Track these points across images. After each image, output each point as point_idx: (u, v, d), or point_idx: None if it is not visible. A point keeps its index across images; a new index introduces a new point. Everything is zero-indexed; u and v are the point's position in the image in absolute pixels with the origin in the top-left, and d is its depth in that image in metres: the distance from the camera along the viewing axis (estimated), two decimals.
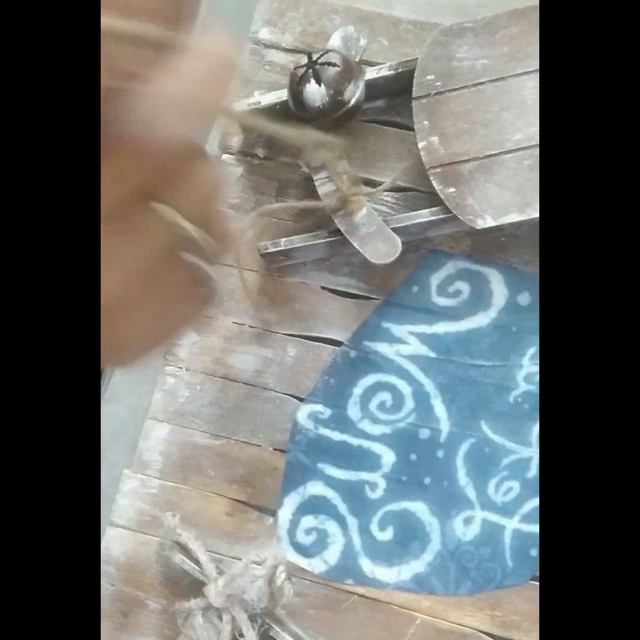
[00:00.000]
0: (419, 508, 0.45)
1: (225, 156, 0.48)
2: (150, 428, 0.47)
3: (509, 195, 0.41)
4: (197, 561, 0.44)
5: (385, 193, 0.46)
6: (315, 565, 0.45)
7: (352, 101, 0.40)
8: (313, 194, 0.44)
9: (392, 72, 0.43)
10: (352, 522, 0.45)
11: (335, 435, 0.46)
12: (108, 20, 0.20)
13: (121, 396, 0.48)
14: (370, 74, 0.43)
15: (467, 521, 0.44)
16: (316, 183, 0.43)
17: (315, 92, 0.40)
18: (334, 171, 0.43)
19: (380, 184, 0.46)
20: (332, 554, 0.45)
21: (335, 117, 0.41)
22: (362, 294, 0.46)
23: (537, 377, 0.45)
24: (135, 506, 0.46)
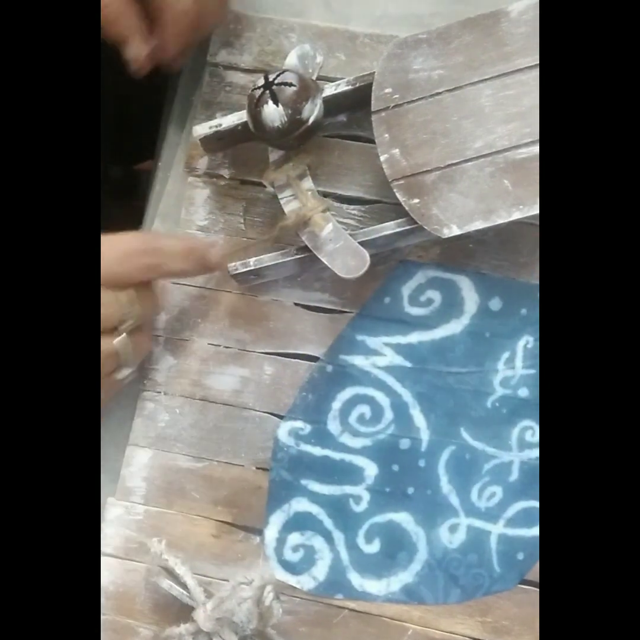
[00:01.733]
0: (403, 519, 0.45)
1: (191, 178, 0.48)
2: (132, 454, 0.47)
3: (472, 203, 0.41)
4: (184, 585, 0.44)
5: (351, 206, 0.46)
6: (304, 582, 0.45)
7: (311, 119, 0.40)
8: (281, 212, 0.44)
9: (350, 87, 0.44)
10: (339, 536, 0.45)
11: (317, 451, 0.46)
12: None
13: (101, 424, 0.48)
14: (329, 90, 0.43)
15: (453, 529, 0.44)
16: (281, 202, 0.43)
17: (273, 113, 0.40)
18: (298, 189, 0.43)
19: (346, 198, 0.46)
20: (321, 570, 0.45)
21: (295, 136, 0.41)
22: (335, 308, 0.47)
23: (514, 381, 0.45)
24: (122, 534, 0.46)
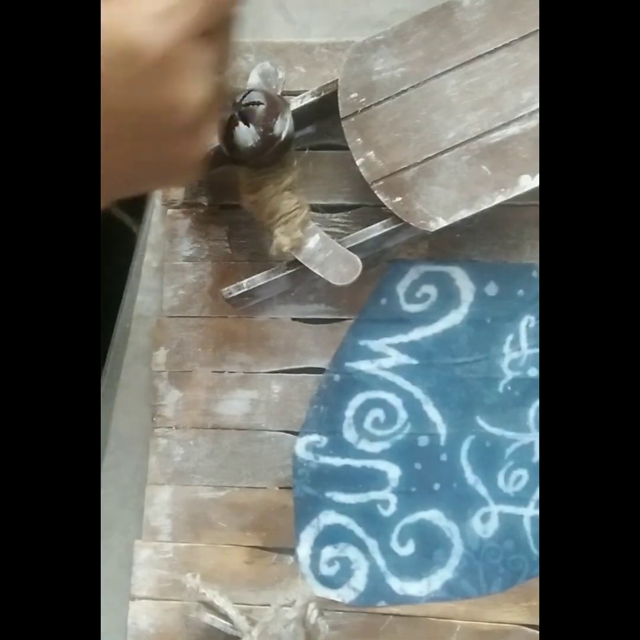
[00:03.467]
0: (434, 516, 0.45)
1: (170, 211, 0.48)
2: (153, 494, 0.46)
3: (454, 193, 0.41)
4: (226, 617, 0.43)
5: (334, 214, 0.46)
6: (345, 594, 0.44)
7: (283, 134, 0.41)
8: (264, 231, 0.44)
9: (315, 97, 0.44)
10: (372, 543, 0.45)
11: (337, 461, 0.45)
12: None
13: (120, 462, 0.48)
14: (295, 103, 0.44)
15: (485, 518, 0.44)
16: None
17: (245, 134, 0.40)
18: (278, 203, 0.43)
19: (329, 207, 0.46)
20: (359, 580, 0.44)
21: (269, 153, 0.41)
22: (333, 317, 0.47)
23: (522, 362, 0.45)
24: (154, 574, 0.46)
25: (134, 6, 0.27)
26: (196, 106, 0.29)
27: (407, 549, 0.44)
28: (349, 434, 0.46)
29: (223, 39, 0.31)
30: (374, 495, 0.45)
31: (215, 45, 0.30)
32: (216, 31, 0.30)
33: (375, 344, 0.46)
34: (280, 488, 0.46)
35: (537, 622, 0.43)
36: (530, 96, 0.41)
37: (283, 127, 0.41)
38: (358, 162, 0.42)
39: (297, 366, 0.46)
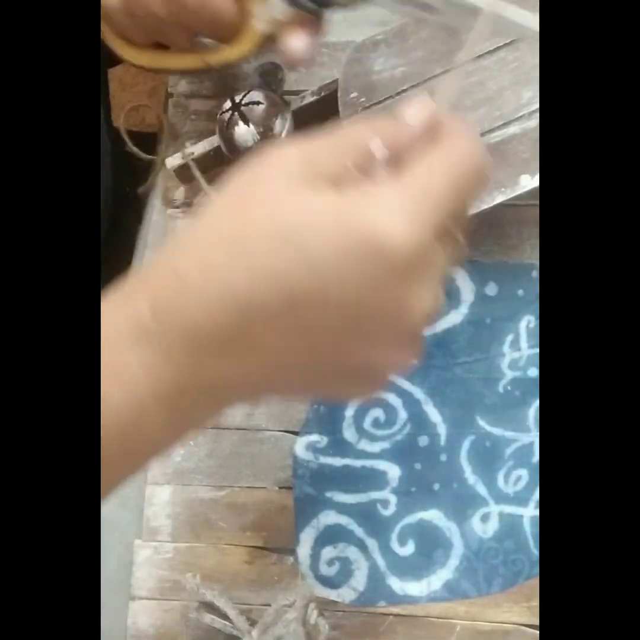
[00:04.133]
0: (434, 516, 0.45)
1: (170, 210, 0.48)
2: (153, 494, 0.46)
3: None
4: (226, 617, 0.43)
5: None
6: (345, 594, 0.44)
7: (283, 134, 0.41)
8: None
9: (315, 97, 0.44)
10: (372, 543, 0.45)
11: (337, 461, 0.45)
12: None
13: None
14: (295, 103, 0.44)
15: (485, 518, 0.44)
16: None
17: (245, 134, 0.40)
18: None
19: None
20: (359, 580, 0.44)
21: None
22: None
23: (521, 362, 0.45)
24: (154, 574, 0.46)
25: (381, 201, 0.25)
26: (422, 317, 0.26)
27: (407, 549, 0.44)
28: (349, 434, 0.46)
29: (459, 234, 0.28)
30: (374, 495, 0.45)
31: (451, 244, 0.27)
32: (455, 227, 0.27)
33: None
34: (280, 488, 0.46)
35: (537, 622, 0.43)
36: (530, 96, 0.41)
37: (283, 126, 0.41)
38: None
39: None
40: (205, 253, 0.25)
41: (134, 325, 0.25)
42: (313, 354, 0.26)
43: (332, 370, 0.27)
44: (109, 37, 0.39)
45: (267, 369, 0.26)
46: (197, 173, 0.43)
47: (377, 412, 0.45)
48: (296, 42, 0.34)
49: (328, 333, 0.26)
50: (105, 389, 0.25)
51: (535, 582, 0.43)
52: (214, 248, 0.25)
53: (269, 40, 0.36)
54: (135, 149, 0.46)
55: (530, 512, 0.44)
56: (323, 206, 0.24)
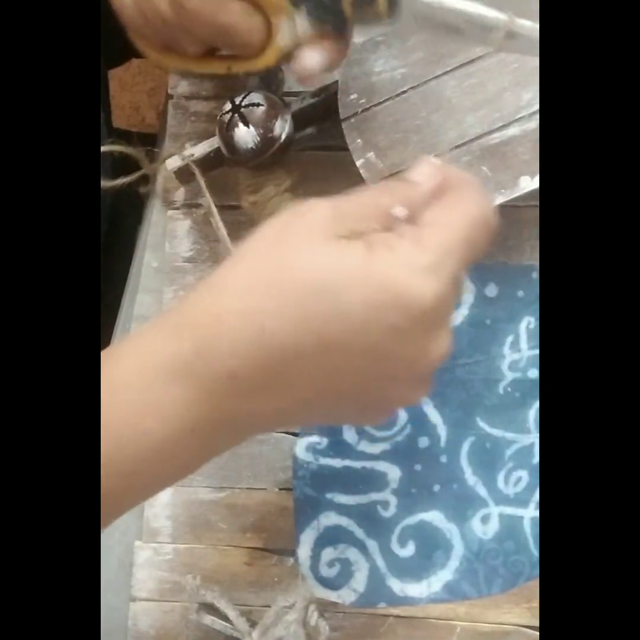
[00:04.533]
0: (434, 517, 0.45)
1: (170, 211, 0.48)
2: None
3: None
4: (226, 618, 0.43)
5: None
6: (345, 595, 0.44)
7: (283, 136, 0.41)
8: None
9: (315, 99, 0.44)
10: (372, 545, 0.45)
11: (337, 462, 0.45)
12: None
13: None
14: (295, 104, 0.44)
15: (485, 519, 0.44)
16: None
17: (245, 135, 0.40)
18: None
19: None
20: (359, 581, 0.44)
21: (269, 155, 0.41)
22: None
23: (522, 364, 0.45)
24: (154, 576, 0.46)
25: (403, 256, 0.27)
26: (438, 358, 0.29)
27: (408, 551, 0.44)
28: (349, 435, 0.46)
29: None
30: (374, 496, 0.45)
31: (460, 288, 0.31)
32: None
33: None
34: (280, 489, 0.46)
35: (537, 623, 0.43)
36: (530, 97, 0.41)
37: (283, 128, 0.41)
38: (358, 163, 0.42)
39: None
40: (244, 298, 0.27)
41: (177, 363, 0.27)
42: (337, 392, 0.29)
43: (352, 405, 0.30)
44: (132, 36, 0.39)
45: (295, 405, 0.29)
46: (198, 175, 0.43)
47: None
48: (309, 59, 0.35)
49: (353, 375, 0.28)
50: (145, 421, 0.27)
51: (535, 583, 0.43)
52: (253, 293, 0.27)
53: (289, 56, 0.37)
54: (135, 150, 0.46)
55: (530, 513, 0.44)
56: (353, 260, 0.27)
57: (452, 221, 0.29)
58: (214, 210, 0.43)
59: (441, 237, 0.28)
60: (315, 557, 0.45)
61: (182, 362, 0.27)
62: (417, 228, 0.28)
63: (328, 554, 0.45)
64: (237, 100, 0.40)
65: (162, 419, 0.27)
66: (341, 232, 0.28)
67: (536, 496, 0.44)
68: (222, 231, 0.43)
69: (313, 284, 0.27)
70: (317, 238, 0.27)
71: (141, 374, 0.27)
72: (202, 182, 0.43)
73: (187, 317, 0.28)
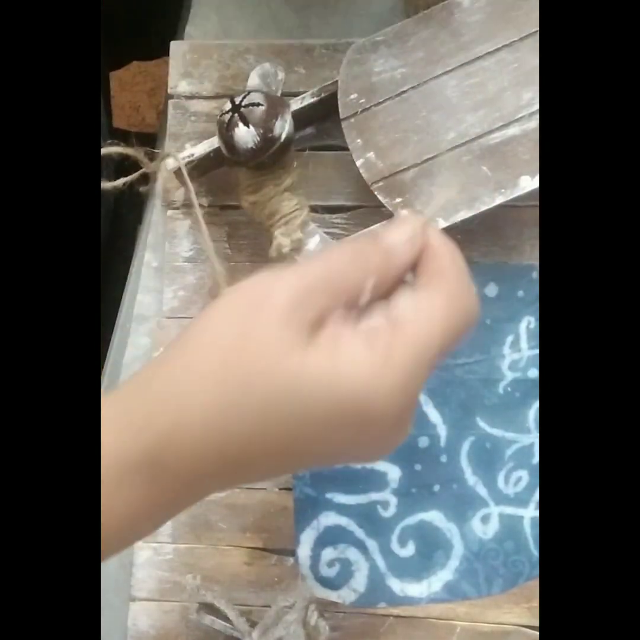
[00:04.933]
0: (434, 517, 0.44)
1: (170, 212, 0.48)
2: None
3: (454, 194, 0.41)
4: (226, 618, 0.43)
5: (334, 216, 0.46)
6: (345, 595, 0.44)
7: (283, 136, 0.41)
8: (263, 232, 0.44)
9: (315, 98, 0.44)
10: (372, 544, 0.45)
11: None
12: None
13: None
14: (295, 104, 0.44)
15: (485, 519, 0.44)
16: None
17: (245, 135, 0.40)
18: (279, 205, 0.43)
19: (328, 208, 0.46)
20: (359, 581, 0.44)
21: (269, 155, 0.41)
22: None
23: (522, 364, 0.45)
24: (154, 575, 0.46)
25: (371, 368, 0.26)
26: (398, 443, 0.29)
27: (408, 550, 0.44)
28: None
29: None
30: (374, 496, 0.45)
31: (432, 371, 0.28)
32: None
33: None
34: (280, 489, 0.46)
35: (537, 623, 0.43)
36: (530, 97, 0.41)
37: (283, 128, 0.41)
38: (358, 163, 0.42)
39: None
40: (208, 394, 0.27)
41: (140, 458, 0.27)
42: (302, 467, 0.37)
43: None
44: None
45: (262, 478, 0.35)
46: (187, 180, 0.43)
47: None
48: None
49: (317, 460, 0.31)
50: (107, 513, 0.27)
51: (535, 583, 0.43)
52: (217, 390, 0.27)
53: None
54: (135, 150, 0.46)
55: (530, 513, 0.44)
56: (317, 368, 0.26)
57: (431, 318, 0.27)
58: (202, 223, 0.43)
59: (417, 342, 0.26)
60: (315, 557, 0.45)
61: (144, 459, 0.27)
62: (390, 324, 0.27)
63: (328, 553, 0.45)
64: (237, 100, 0.40)
65: (119, 515, 0.27)
66: (305, 321, 0.26)
67: (536, 496, 0.44)
68: (209, 243, 0.43)
69: (275, 390, 0.26)
70: (280, 336, 0.26)
71: (105, 468, 0.27)
72: (191, 192, 0.43)
73: (153, 406, 0.27)
